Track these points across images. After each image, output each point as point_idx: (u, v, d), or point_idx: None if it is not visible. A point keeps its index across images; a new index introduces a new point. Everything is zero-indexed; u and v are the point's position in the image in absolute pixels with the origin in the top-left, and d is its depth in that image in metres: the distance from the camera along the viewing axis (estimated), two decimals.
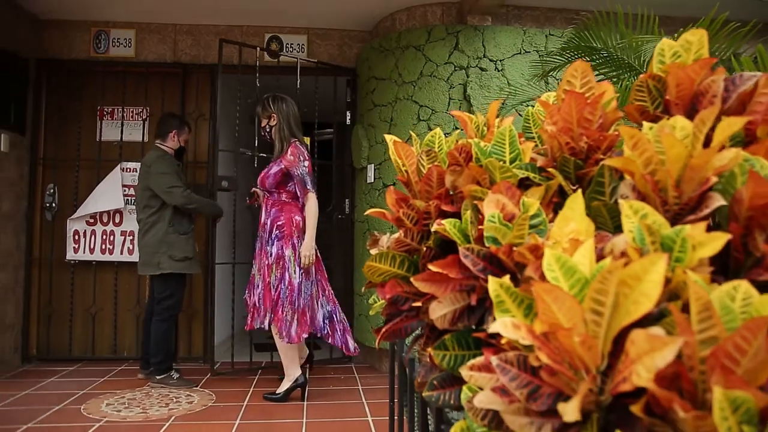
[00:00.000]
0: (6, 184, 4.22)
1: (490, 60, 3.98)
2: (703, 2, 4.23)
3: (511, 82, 3.95)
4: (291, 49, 4.82)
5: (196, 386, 3.71)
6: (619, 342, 0.62)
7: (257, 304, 3.39)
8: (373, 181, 4.26)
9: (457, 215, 0.99)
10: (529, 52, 4.00)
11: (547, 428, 0.66)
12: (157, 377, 3.67)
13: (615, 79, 3.06)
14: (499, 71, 3.97)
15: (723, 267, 0.77)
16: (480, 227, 0.86)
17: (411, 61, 4.09)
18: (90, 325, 4.56)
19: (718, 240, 0.64)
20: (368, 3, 4.25)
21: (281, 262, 3.36)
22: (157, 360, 3.69)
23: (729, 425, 0.49)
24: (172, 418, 3.04)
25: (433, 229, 0.96)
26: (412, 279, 0.92)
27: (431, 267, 0.89)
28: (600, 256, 0.71)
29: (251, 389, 3.66)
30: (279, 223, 3.39)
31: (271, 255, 3.37)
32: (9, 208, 4.26)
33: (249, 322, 3.43)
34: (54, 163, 4.63)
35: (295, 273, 3.36)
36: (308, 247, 3.34)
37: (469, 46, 3.98)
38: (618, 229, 0.81)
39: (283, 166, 3.41)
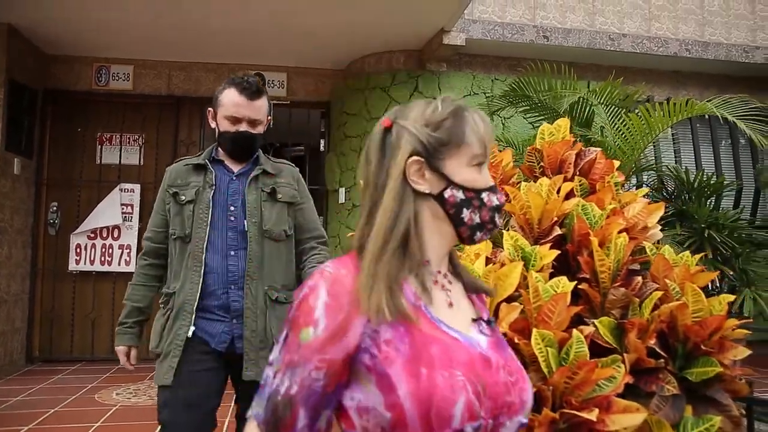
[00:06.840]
0: (18, 203, 4.46)
1: None
2: (621, 56, 4.82)
3: None
4: (273, 85, 5.19)
5: None
6: (498, 312, 1.03)
7: None
8: (344, 201, 4.66)
9: None
10: (478, 94, 4.48)
11: None
12: None
13: (544, 120, 3.54)
14: None
15: (567, 269, 1.19)
16: None
17: (378, 100, 4.52)
18: (89, 330, 4.79)
19: (553, 254, 1.05)
20: (342, 49, 4.66)
21: None
22: None
23: (540, 347, 0.90)
24: None
25: None
26: None
27: None
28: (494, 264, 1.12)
29: None
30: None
31: None
32: (20, 224, 4.50)
33: None
34: (57, 183, 4.87)
35: None
36: None
37: (427, 88, 4.43)
38: None
39: None
